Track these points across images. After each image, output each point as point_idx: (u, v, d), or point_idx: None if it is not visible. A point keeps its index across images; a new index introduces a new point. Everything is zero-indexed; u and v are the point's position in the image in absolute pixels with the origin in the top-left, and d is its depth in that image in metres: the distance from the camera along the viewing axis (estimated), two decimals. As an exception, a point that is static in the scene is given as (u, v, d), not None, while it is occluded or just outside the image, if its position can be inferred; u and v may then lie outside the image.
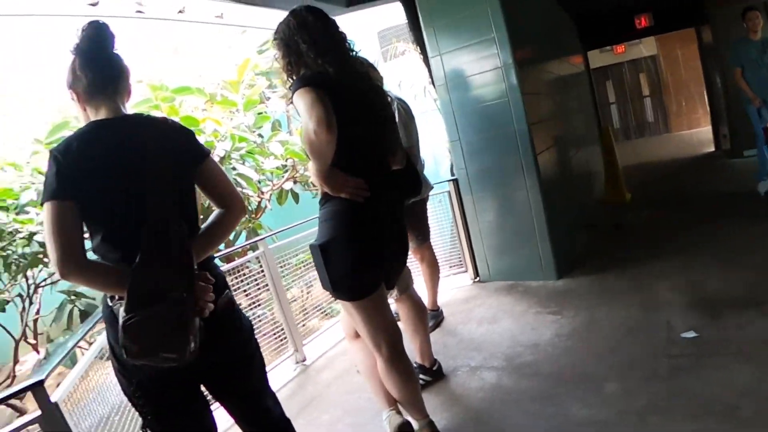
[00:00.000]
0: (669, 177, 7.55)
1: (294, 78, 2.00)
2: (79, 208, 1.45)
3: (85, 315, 4.60)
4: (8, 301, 4.89)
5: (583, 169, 5.90)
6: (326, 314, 4.34)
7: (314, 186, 5.58)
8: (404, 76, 6.85)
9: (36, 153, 4.94)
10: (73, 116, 4.61)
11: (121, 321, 1.36)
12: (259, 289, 3.61)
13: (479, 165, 4.04)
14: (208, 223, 1.68)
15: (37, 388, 1.79)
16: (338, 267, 1.99)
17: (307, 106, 1.79)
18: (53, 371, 1.95)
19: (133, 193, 1.48)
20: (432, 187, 3.54)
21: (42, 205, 1.45)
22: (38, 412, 1.81)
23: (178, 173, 1.58)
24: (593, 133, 6.96)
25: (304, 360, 3.55)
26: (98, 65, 1.55)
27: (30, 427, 1.85)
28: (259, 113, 5.33)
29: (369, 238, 2.03)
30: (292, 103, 2.00)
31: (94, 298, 4.80)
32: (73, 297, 4.75)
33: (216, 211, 1.71)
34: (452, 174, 4.37)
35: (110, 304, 1.53)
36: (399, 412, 2.34)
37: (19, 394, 1.87)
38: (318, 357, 3.61)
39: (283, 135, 5.53)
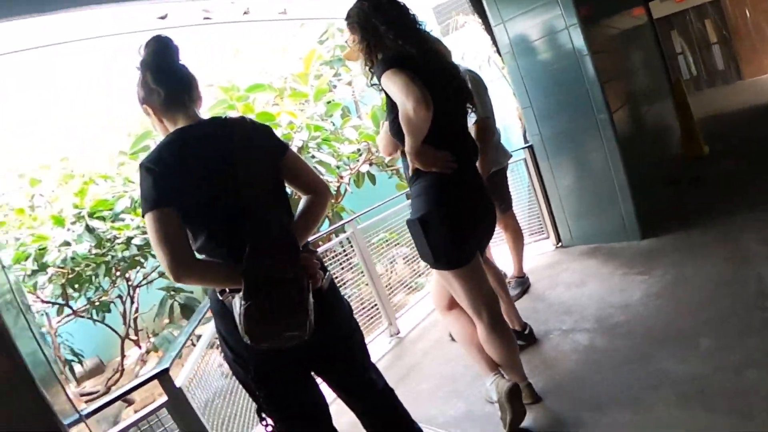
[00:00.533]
0: (746, 126, 7.11)
1: (374, 60, 2.07)
2: (180, 213, 1.49)
3: (185, 308, 4.89)
4: (111, 302, 5.27)
5: (658, 125, 5.70)
6: (411, 289, 4.45)
7: (389, 166, 5.68)
8: (467, 48, 6.80)
9: (122, 164, 5.26)
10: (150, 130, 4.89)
11: (240, 309, 1.41)
12: (343, 270, 3.75)
13: (553, 129, 4.00)
14: (300, 210, 1.73)
15: (164, 376, 1.92)
16: (437, 238, 2.07)
17: (401, 86, 1.84)
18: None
19: (229, 190, 1.53)
20: (511, 156, 3.54)
21: (143, 216, 1.49)
22: (162, 399, 1.95)
23: (266, 166, 1.65)
24: (664, 86, 6.69)
25: (398, 333, 3.67)
26: (170, 78, 1.61)
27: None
28: (328, 102, 5.44)
29: (463, 208, 2.11)
30: (374, 85, 2.07)
31: (192, 292, 5.09)
32: (172, 292, 5.05)
33: (304, 198, 1.76)
34: (526, 141, 4.34)
35: (220, 297, 1.58)
36: (503, 376, 2.38)
37: (148, 381, 1.96)
38: (411, 329, 3.73)
39: (355, 120, 5.64)
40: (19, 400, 0.91)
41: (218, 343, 1.96)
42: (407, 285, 4.41)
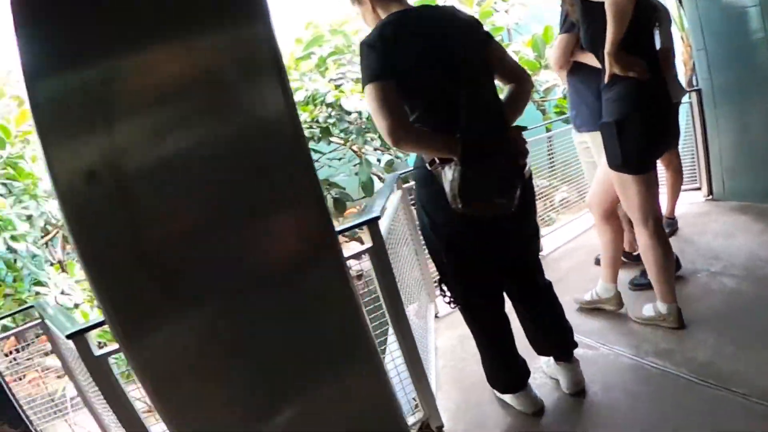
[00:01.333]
0: None
1: None
2: (398, 87, 1.58)
3: (337, 202, 5.23)
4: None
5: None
6: (543, 222, 4.54)
7: (540, 99, 5.68)
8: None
9: (290, 68, 5.66)
10: (322, 34, 5.21)
11: (454, 174, 1.54)
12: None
13: (725, 77, 3.78)
14: (506, 95, 1.81)
15: (373, 222, 2.03)
16: (631, 142, 2.12)
17: None
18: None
19: (446, 64, 1.63)
20: (685, 93, 3.45)
21: (364, 88, 1.62)
22: (368, 245, 2.06)
23: (477, 47, 1.74)
24: None
25: (541, 250, 3.80)
26: None
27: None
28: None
29: (657, 117, 2.16)
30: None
31: (344, 188, 5.43)
32: (327, 186, 5.43)
33: (508, 86, 1.84)
34: (690, 86, 4.21)
35: (429, 168, 1.69)
36: (620, 299, 2.60)
37: (359, 226, 2.08)
38: (553, 249, 3.87)
39: (515, 46, 5.63)
40: (311, 208, 1.14)
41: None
42: (540, 218, 4.54)
